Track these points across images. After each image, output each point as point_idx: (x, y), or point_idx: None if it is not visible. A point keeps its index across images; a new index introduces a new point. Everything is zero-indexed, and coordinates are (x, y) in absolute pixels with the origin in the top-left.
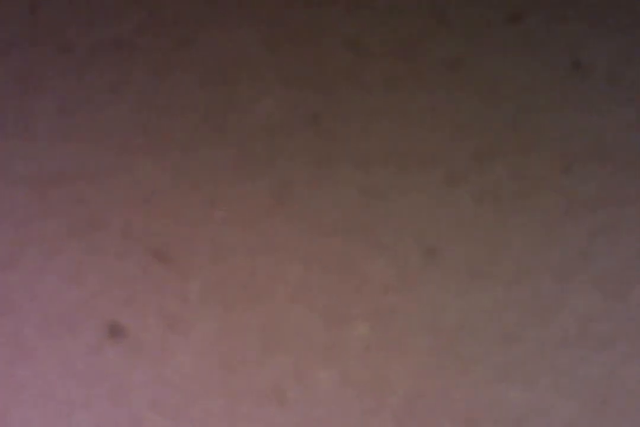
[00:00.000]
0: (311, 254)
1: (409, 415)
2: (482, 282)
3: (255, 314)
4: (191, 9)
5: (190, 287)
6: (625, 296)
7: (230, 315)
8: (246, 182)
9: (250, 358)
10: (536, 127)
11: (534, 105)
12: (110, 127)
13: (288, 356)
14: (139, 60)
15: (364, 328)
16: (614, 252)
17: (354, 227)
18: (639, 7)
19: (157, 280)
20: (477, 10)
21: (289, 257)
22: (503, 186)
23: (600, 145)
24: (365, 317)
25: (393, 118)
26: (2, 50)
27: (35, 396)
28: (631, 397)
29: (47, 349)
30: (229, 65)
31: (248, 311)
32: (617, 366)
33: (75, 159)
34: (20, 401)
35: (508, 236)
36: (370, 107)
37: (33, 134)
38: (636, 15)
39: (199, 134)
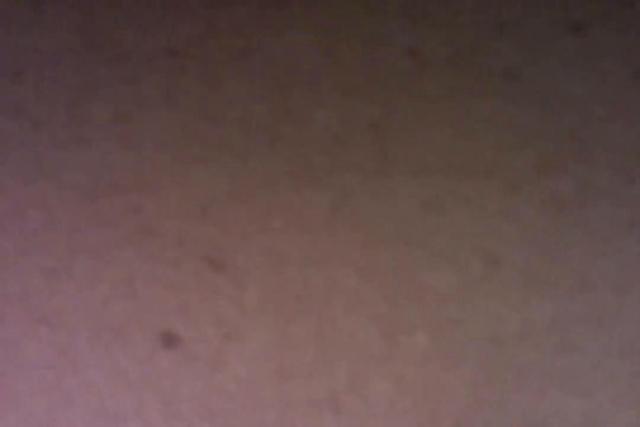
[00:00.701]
0: (369, 264)
1: (466, 425)
2: (542, 292)
3: (311, 323)
4: (248, 18)
5: (245, 295)
6: None
7: (286, 324)
8: (303, 192)
9: (305, 367)
10: (597, 137)
11: (596, 114)
12: (165, 136)
13: (344, 366)
14: (195, 69)
15: (422, 338)
16: None
17: (413, 237)
18: None
19: (212, 288)
20: (538, 21)
21: (346, 267)
22: (564, 196)
23: None
24: (424, 327)
25: (452, 127)
26: (57, 58)
27: (86, 407)
28: None
29: (99, 358)
30: (286, 74)
31: (304, 319)
32: None
33: (129, 168)
34: (71, 412)
35: (569, 246)
36: (429, 117)
37: (87, 142)
38: None
39: (256, 143)
